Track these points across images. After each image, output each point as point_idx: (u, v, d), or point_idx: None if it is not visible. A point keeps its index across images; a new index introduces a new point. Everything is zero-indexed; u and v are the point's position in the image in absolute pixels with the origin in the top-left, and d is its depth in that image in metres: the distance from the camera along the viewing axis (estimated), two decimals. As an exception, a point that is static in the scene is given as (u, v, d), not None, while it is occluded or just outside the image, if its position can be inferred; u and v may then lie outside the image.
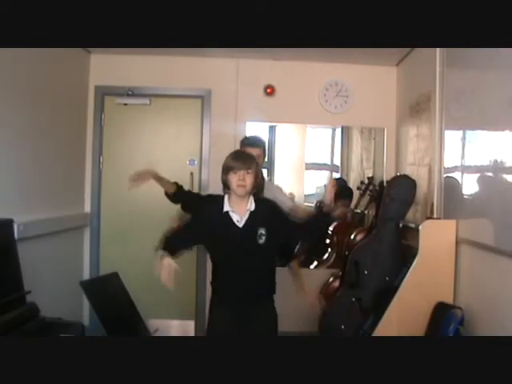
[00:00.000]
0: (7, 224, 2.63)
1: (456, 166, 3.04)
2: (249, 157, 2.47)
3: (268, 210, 2.47)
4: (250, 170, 2.38)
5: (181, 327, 4.39)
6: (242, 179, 2.36)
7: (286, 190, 3.46)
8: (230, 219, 2.40)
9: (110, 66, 4.35)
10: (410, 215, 3.60)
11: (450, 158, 3.11)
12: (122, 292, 3.37)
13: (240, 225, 2.39)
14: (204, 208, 2.57)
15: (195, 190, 4.17)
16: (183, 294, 4.15)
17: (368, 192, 4.33)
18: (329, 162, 4.76)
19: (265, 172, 4.33)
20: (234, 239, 2.39)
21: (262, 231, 2.39)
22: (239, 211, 2.41)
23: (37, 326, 2.47)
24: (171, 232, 2.50)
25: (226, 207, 2.42)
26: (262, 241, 2.39)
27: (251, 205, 2.42)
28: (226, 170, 2.40)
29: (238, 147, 3.08)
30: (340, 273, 3.80)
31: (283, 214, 2.53)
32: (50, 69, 3.57)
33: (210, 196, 2.85)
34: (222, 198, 2.46)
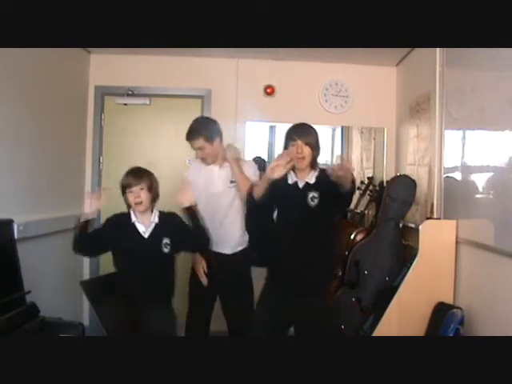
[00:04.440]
0: (7, 224, 2.63)
1: (456, 166, 3.04)
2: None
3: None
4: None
5: (181, 327, 4.38)
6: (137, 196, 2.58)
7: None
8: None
9: (110, 66, 4.35)
10: (409, 215, 3.60)
11: (450, 158, 3.11)
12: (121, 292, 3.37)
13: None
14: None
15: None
16: (184, 295, 4.14)
17: (368, 192, 4.33)
18: (329, 162, 4.75)
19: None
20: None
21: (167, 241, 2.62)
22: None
23: (37, 326, 2.47)
24: None
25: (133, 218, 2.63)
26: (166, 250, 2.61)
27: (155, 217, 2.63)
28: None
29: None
30: (340, 273, 3.80)
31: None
32: (50, 69, 3.57)
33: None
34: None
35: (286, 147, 2.55)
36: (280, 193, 2.53)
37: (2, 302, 2.32)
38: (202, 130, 3.03)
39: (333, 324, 2.68)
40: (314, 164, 2.55)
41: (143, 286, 2.61)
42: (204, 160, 3.09)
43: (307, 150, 2.50)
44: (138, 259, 2.62)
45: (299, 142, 2.49)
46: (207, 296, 3.13)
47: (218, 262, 3.06)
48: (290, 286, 2.52)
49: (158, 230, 2.66)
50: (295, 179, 2.57)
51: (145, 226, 2.66)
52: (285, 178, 2.54)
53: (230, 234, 3.07)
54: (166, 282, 2.72)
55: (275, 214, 2.67)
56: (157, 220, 2.67)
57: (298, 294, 2.50)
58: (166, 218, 2.71)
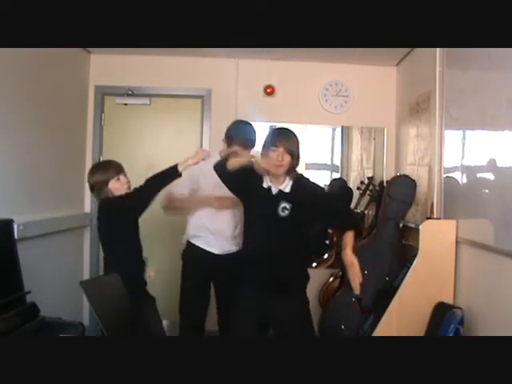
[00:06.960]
0: (7, 224, 2.62)
1: (456, 166, 3.04)
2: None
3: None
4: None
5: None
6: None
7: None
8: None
9: (110, 66, 4.36)
10: (409, 215, 3.60)
11: (450, 158, 3.11)
12: (122, 292, 3.37)
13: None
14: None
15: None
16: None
17: (368, 192, 4.33)
18: (329, 162, 4.76)
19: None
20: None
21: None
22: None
23: (37, 326, 2.47)
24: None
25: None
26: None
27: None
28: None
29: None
30: (340, 273, 3.80)
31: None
32: (50, 69, 3.57)
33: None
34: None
35: (265, 150, 2.49)
36: (252, 192, 2.52)
37: (1, 302, 2.32)
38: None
39: (308, 326, 2.64)
40: (290, 172, 2.50)
41: None
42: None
43: (287, 158, 2.44)
44: None
45: (281, 149, 2.42)
46: (204, 296, 3.14)
47: (210, 260, 3.05)
48: (263, 286, 2.51)
49: None
50: (269, 184, 2.51)
51: None
52: (260, 178, 2.52)
53: (219, 233, 3.04)
54: None
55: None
56: None
57: (271, 294, 2.49)
58: None
